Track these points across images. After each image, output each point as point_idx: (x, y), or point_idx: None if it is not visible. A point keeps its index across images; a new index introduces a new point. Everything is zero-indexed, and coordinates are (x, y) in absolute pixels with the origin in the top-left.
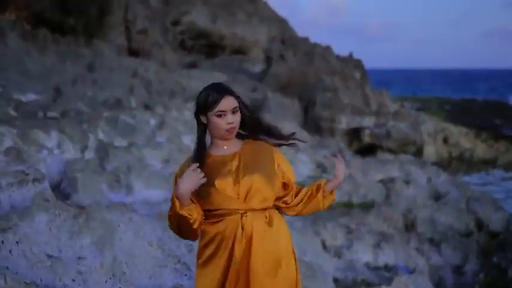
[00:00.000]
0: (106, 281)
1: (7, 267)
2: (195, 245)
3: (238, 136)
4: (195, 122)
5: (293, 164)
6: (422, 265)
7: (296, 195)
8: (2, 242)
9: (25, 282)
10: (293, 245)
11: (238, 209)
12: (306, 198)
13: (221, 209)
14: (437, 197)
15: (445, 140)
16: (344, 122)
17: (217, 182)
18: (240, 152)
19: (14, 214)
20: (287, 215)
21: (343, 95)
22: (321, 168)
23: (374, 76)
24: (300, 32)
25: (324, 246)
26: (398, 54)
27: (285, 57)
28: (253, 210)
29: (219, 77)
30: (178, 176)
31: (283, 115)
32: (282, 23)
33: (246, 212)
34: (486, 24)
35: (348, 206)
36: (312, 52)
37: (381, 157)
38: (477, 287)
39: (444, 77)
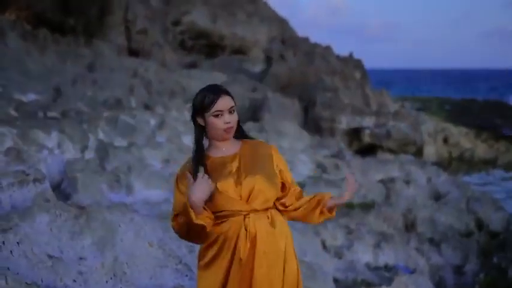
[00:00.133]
0: (107, 281)
1: (8, 268)
2: (196, 245)
3: (235, 136)
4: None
5: (293, 164)
6: (423, 265)
7: (297, 199)
8: (3, 243)
9: (26, 283)
10: (294, 245)
11: (241, 211)
12: (304, 206)
13: (224, 211)
14: (437, 197)
15: (445, 140)
16: (344, 122)
17: (219, 184)
18: (240, 153)
19: (15, 214)
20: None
21: (343, 95)
22: (321, 168)
23: (374, 76)
24: (300, 32)
25: (324, 247)
26: (398, 54)
27: (285, 57)
28: (256, 211)
29: (219, 77)
30: (179, 178)
31: (283, 115)
32: (282, 23)
33: (248, 213)
34: (486, 24)
35: (348, 206)
36: (312, 52)
37: (381, 157)
38: (477, 287)
39: (444, 77)
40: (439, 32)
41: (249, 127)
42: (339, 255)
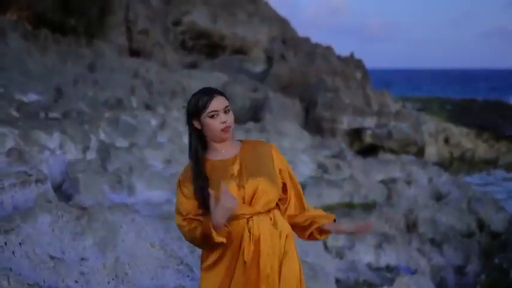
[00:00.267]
0: (109, 282)
1: (10, 269)
2: None
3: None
4: None
5: (294, 165)
6: (424, 266)
7: (296, 214)
8: (5, 244)
9: (28, 284)
10: (295, 246)
11: (244, 214)
12: (300, 222)
13: None
14: (438, 197)
15: (446, 140)
16: (345, 122)
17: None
18: (240, 155)
19: (17, 215)
20: None
21: (344, 95)
22: (322, 168)
23: (374, 76)
24: (300, 32)
25: (326, 247)
26: (399, 54)
27: (286, 57)
28: (259, 213)
29: (220, 77)
30: (182, 182)
31: (284, 115)
32: (282, 23)
33: (251, 216)
34: (486, 24)
35: (349, 207)
36: (313, 52)
37: (382, 157)
38: None
39: (444, 77)
40: (439, 32)
41: (250, 127)
42: (340, 255)
